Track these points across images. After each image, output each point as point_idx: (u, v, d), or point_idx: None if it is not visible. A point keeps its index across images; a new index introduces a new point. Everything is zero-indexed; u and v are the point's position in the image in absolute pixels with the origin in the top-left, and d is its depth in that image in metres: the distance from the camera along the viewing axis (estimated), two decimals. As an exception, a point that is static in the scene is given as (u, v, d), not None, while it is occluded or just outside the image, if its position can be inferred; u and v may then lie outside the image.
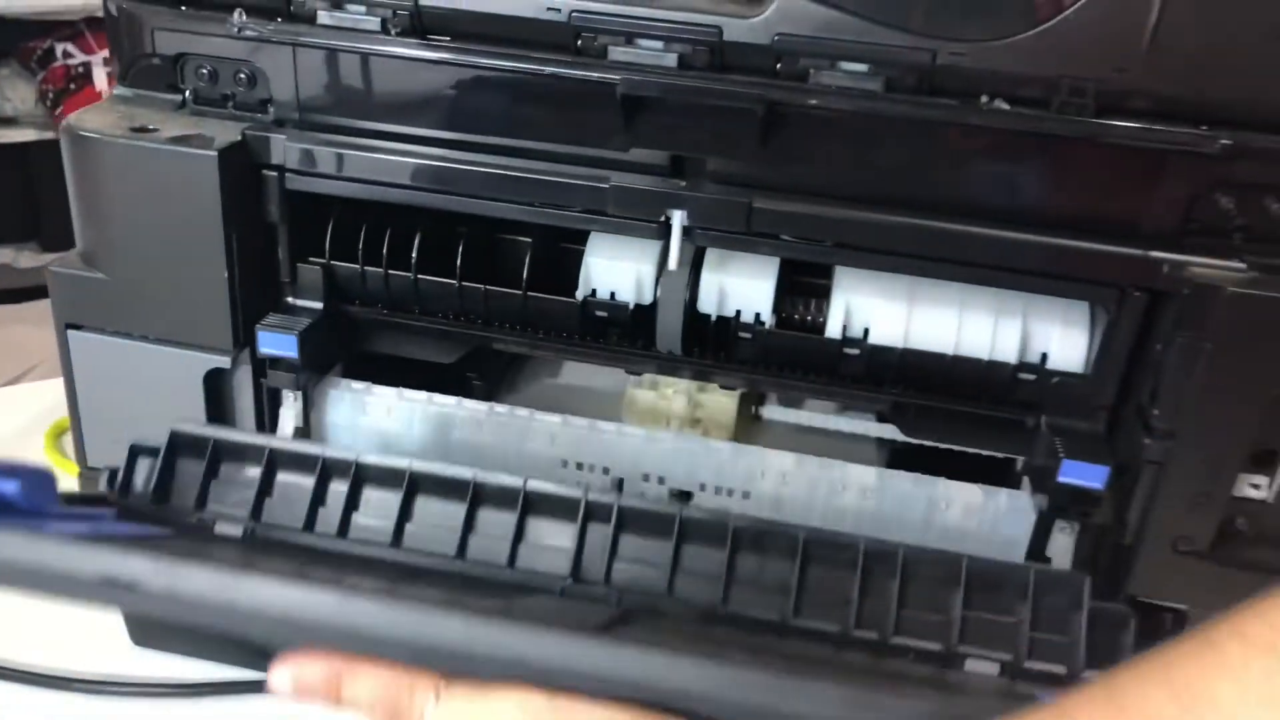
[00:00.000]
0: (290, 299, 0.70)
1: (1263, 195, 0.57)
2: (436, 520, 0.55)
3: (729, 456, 0.69)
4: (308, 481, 0.56)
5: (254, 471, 0.56)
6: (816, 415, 0.79)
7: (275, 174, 0.65)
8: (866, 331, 0.65)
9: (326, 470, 0.56)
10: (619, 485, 0.70)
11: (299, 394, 0.71)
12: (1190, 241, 0.58)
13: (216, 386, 0.70)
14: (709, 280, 0.66)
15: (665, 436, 0.70)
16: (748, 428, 0.83)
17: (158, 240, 0.65)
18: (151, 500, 0.56)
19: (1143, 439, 0.59)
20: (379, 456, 0.56)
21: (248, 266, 0.67)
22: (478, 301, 0.68)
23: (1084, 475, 0.59)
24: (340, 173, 0.65)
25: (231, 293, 0.66)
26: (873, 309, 0.65)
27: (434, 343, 0.73)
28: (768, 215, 0.61)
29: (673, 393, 0.79)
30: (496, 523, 0.55)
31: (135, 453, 0.57)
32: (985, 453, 0.69)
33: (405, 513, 0.56)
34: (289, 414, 0.71)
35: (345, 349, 0.74)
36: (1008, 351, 0.64)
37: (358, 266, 0.69)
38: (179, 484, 0.57)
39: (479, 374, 0.83)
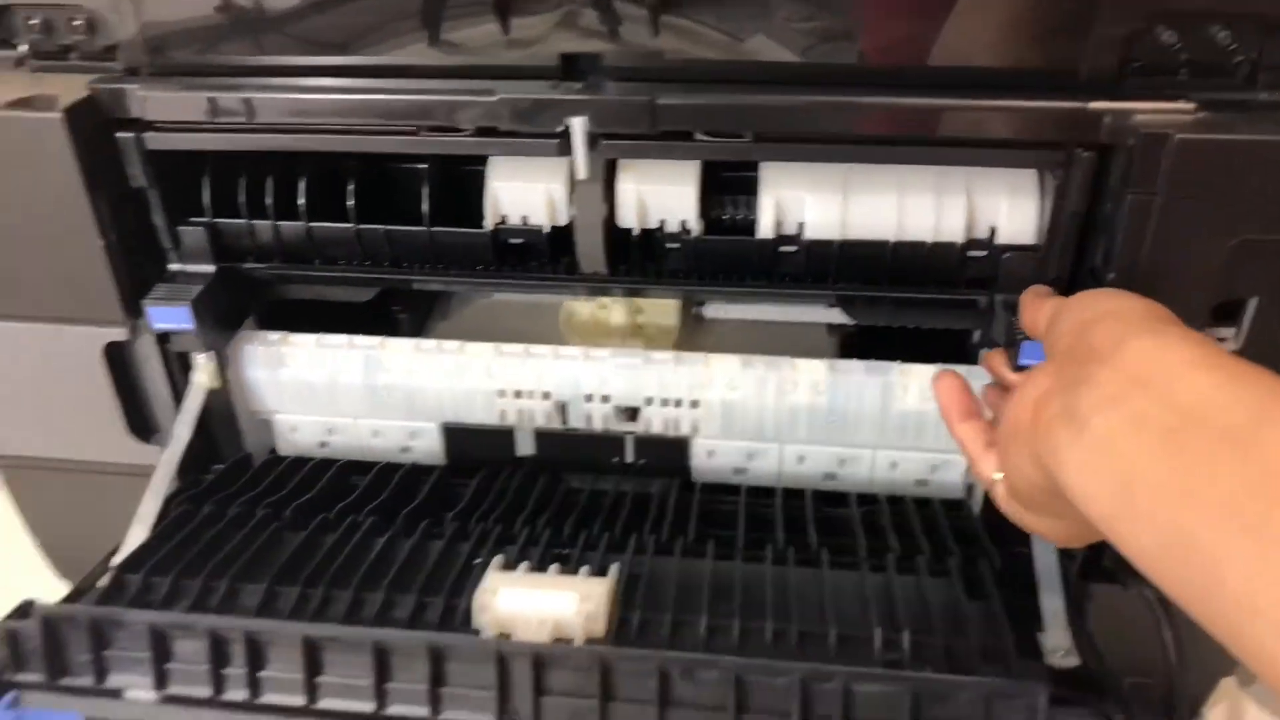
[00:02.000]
0: (177, 265, 0.65)
1: (1206, 23, 0.52)
2: (348, 673, 0.49)
3: (672, 368, 0.65)
4: (203, 647, 0.49)
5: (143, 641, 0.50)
6: (762, 308, 0.75)
7: (132, 135, 0.59)
8: (801, 227, 0.60)
9: (219, 639, 0.49)
10: (563, 410, 0.67)
11: (210, 353, 0.66)
12: (1132, 86, 0.53)
13: (120, 358, 0.66)
14: (625, 192, 0.61)
15: (603, 354, 0.66)
16: (692, 329, 0.79)
17: (19, 215, 0.60)
18: (46, 681, 0.50)
19: (1098, 303, 0.55)
20: (262, 622, 0.50)
21: (127, 229, 0.62)
22: (379, 243, 0.64)
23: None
24: (207, 120, 0.58)
25: (113, 262, 0.61)
26: (805, 202, 0.60)
27: (343, 288, 0.68)
28: (675, 111, 0.55)
29: (610, 302, 0.75)
30: (411, 670, 0.49)
31: (11, 635, 0.50)
32: (941, 328, 0.65)
33: (313, 672, 0.49)
34: (202, 377, 0.67)
35: (253, 302, 0.70)
36: (954, 231, 0.59)
37: (243, 221, 0.63)
38: (71, 657, 0.50)
39: (404, 306, 0.78)
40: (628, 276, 0.64)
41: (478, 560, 0.57)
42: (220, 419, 0.70)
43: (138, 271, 0.63)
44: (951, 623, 0.52)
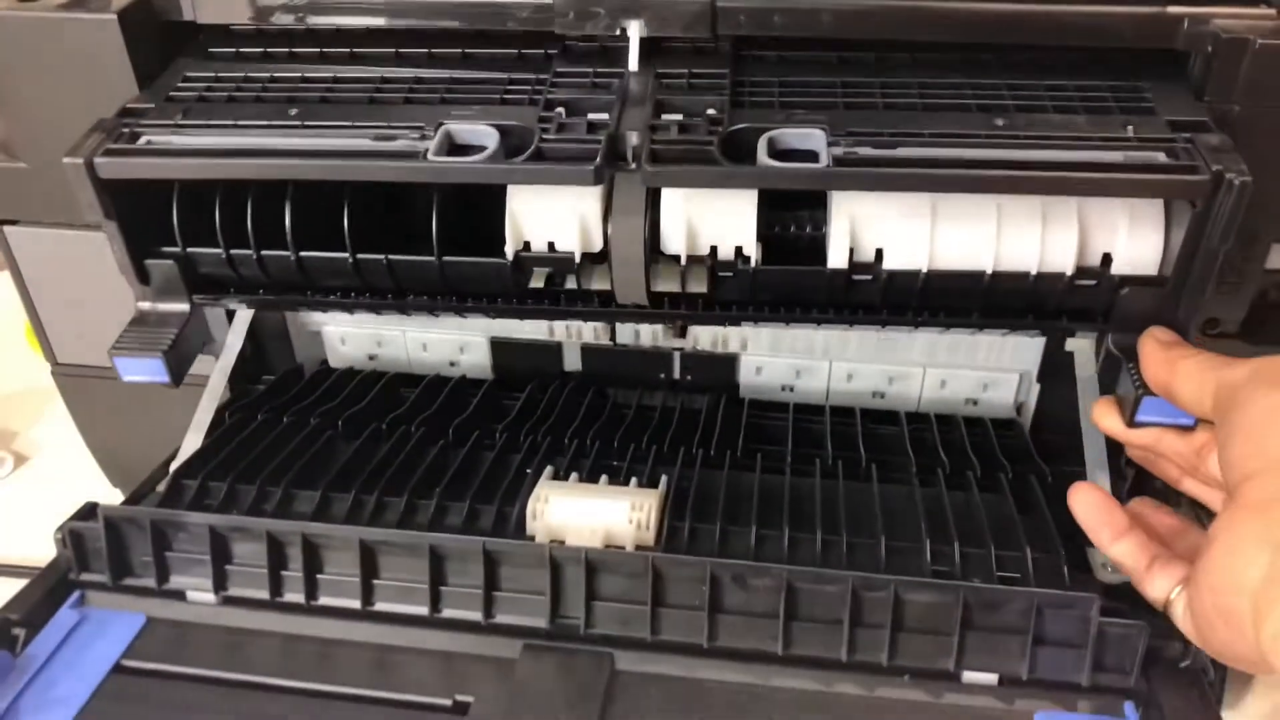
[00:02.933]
0: (147, 304, 0.56)
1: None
2: (403, 576, 0.50)
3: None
4: (261, 550, 0.50)
5: (203, 543, 0.50)
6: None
7: (81, 161, 0.50)
8: (880, 253, 0.50)
9: (276, 541, 0.50)
10: (612, 325, 0.66)
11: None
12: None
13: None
14: (672, 213, 0.50)
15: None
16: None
17: (73, 122, 0.59)
18: (111, 582, 0.51)
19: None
20: (319, 526, 0.50)
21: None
22: (380, 274, 0.53)
23: (1170, 413, 0.47)
24: (261, 22, 0.57)
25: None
26: (883, 226, 0.49)
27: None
28: (736, 14, 0.53)
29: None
30: (465, 573, 0.49)
31: (76, 536, 0.51)
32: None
33: (369, 575, 0.50)
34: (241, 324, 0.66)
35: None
36: (1063, 261, 0.49)
37: (219, 251, 0.53)
38: (134, 559, 0.52)
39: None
40: (672, 309, 0.53)
41: (529, 470, 0.57)
42: (271, 329, 0.71)
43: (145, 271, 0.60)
44: (1002, 536, 0.51)
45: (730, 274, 0.51)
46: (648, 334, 0.67)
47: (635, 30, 0.54)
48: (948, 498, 0.55)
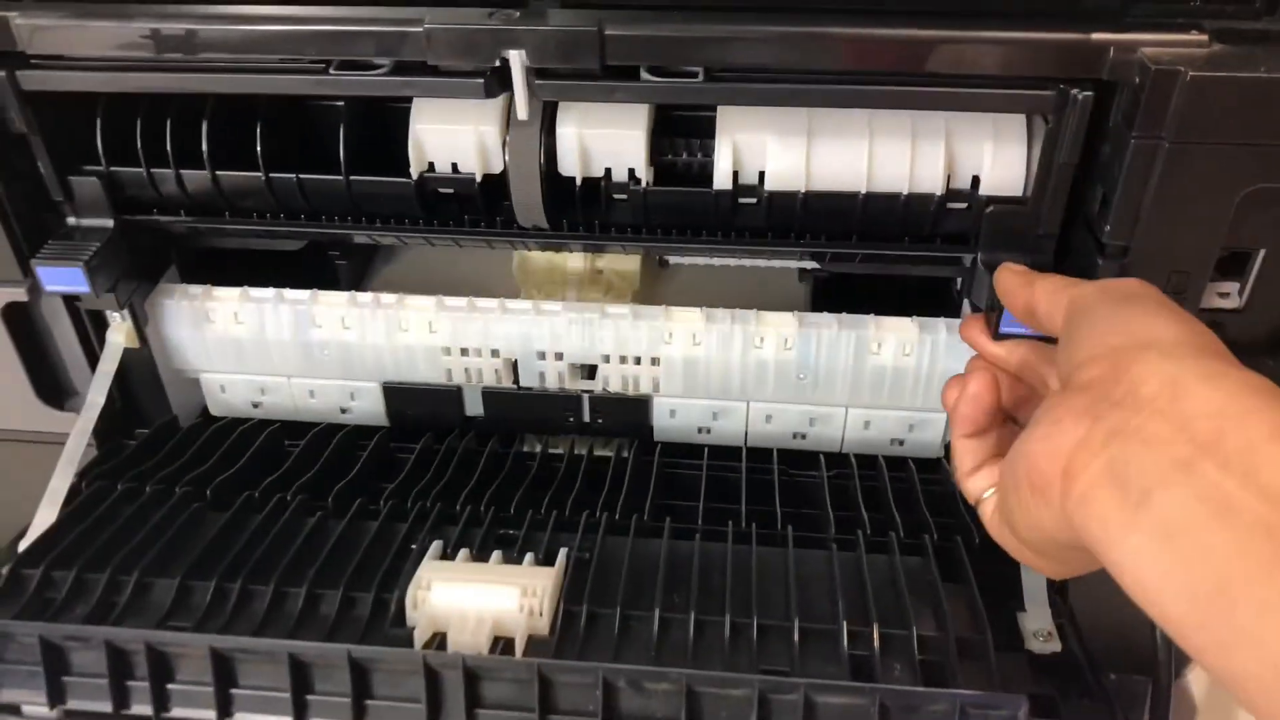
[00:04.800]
0: (73, 219, 0.58)
1: (1220, -61, 0.46)
2: (264, 683, 0.45)
3: (630, 322, 0.60)
4: (103, 659, 0.45)
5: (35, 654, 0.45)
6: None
7: (3, 73, 0.52)
8: (762, 176, 0.54)
9: (118, 650, 0.45)
10: (513, 368, 0.62)
11: (125, 312, 0.60)
12: (1138, 13, 0.47)
13: (24, 320, 0.60)
14: (566, 136, 0.54)
15: (556, 308, 0.61)
16: (655, 275, 0.74)
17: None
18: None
19: (1095, 259, 0.50)
20: (165, 634, 0.45)
21: (20, 177, 0.55)
22: (292, 194, 0.57)
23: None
24: (94, 56, 0.51)
25: (3, 214, 0.55)
26: (765, 149, 0.53)
27: (260, 240, 0.62)
28: (625, 44, 0.48)
29: (567, 246, 0.69)
30: (332, 680, 0.45)
31: None
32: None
33: (225, 684, 0.45)
34: (117, 337, 0.61)
35: (172, 252, 0.63)
36: (932, 181, 0.53)
37: (141, 170, 0.56)
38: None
39: (342, 252, 0.72)
40: (570, 231, 0.57)
41: (414, 545, 0.52)
42: (142, 379, 0.65)
43: (37, 226, 0.57)
44: (925, 612, 0.48)
45: (624, 196, 0.55)
46: (553, 376, 0.62)
47: (518, 61, 0.49)
48: (867, 564, 0.51)
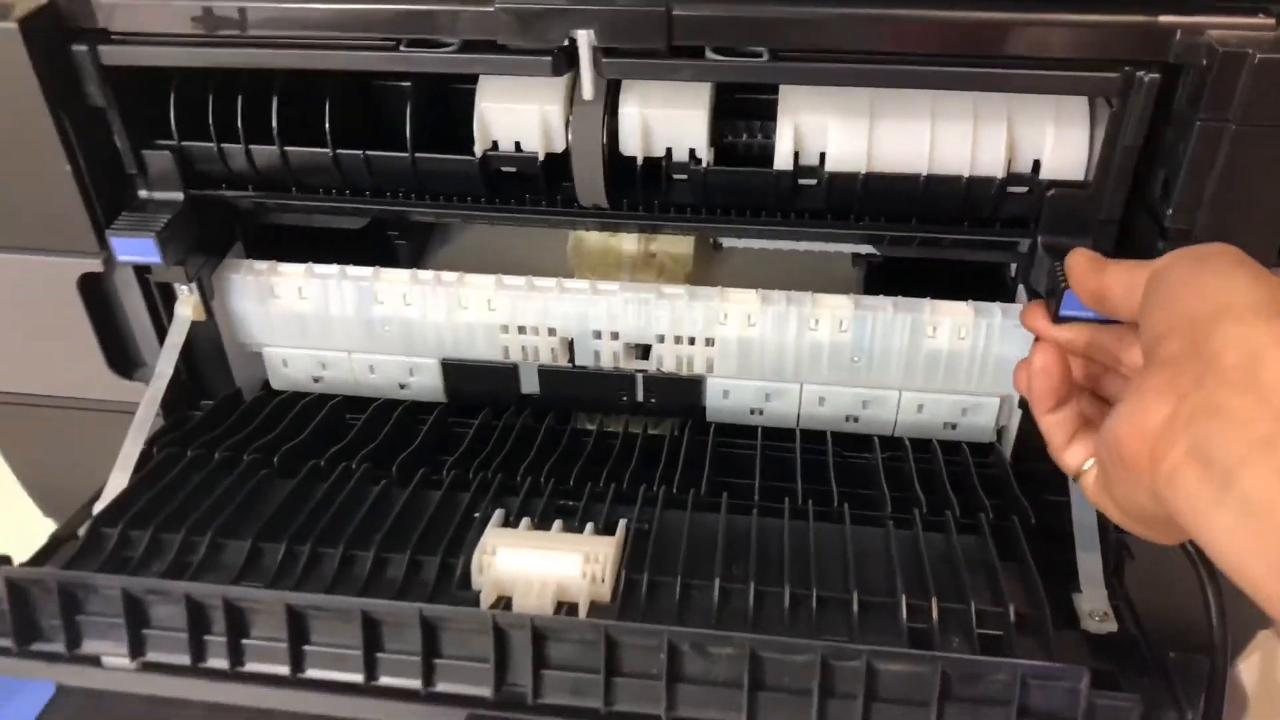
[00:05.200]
0: (145, 193, 0.60)
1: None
2: (336, 640, 0.46)
3: (686, 303, 0.61)
4: (181, 613, 0.46)
5: (117, 606, 0.46)
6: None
7: (86, 48, 0.53)
8: (823, 157, 0.55)
9: (197, 605, 0.46)
10: (569, 347, 0.63)
11: (193, 285, 0.62)
12: (1205, -4, 0.47)
13: (97, 291, 0.62)
14: (629, 116, 0.55)
15: (612, 288, 0.62)
16: (708, 258, 0.75)
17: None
18: (16, 647, 0.47)
19: (1156, 242, 0.50)
20: (243, 590, 0.46)
21: (98, 152, 0.57)
22: (358, 170, 0.58)
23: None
24: (173, 33, 0.53)
25: (82, 187, 0.57)
26: (827, 130, 0.54)
27: (326, 217, 0.63)
28: (692, 24, 0.49)
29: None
30: (402, 639, 0.45)
31: None
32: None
33: (299, 640, 0.46)
34: (185, 310, 0.63)
35: (237, 227, 0.65)
36: (993, 164, 0.53)
37: (212, 145, 0.58)
38: (42, 622, 0.47)
39: (402, 231, 0.74)
40: (630, 211, 0.58)
41: (476, 514, 0.53)
42: (208, 352, 0.66)
43: (113, 198, 0.59)
44: (983, 587, 0.48)
45: (684, 176, 0.56)
46: (608, 356, 0.63)
47: (585, 40, 0.50)
48: (924, 541, 0.51)
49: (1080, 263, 0.46)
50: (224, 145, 0.58)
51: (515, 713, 0.44)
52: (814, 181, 0.55)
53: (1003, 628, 0.46)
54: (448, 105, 0.60)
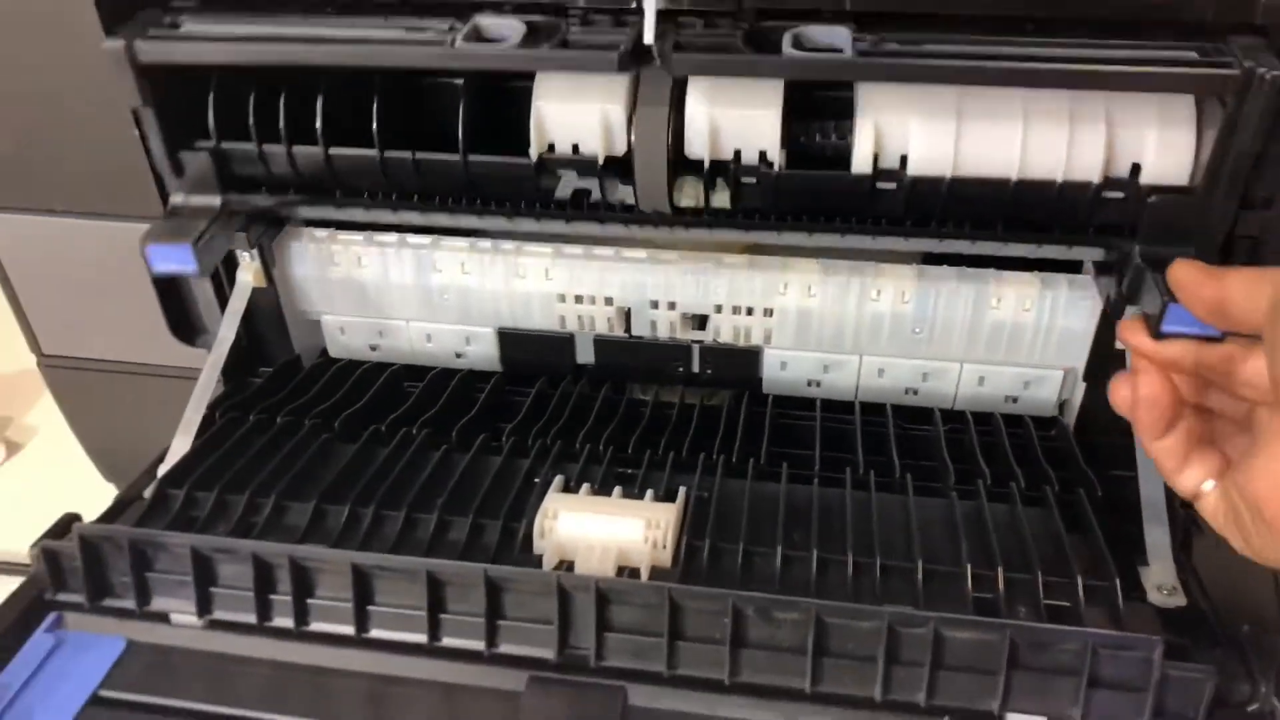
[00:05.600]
0: (180, 197, 0.58)
1: None
2: (400, 601, 0.46)
3: (745, 273, 0.60)
4: (248, 572, 0.46)
5: (185, 564, 0.47)
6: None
7: (121, 43, 0.52)
8: (904, 160, 0.51)
9: (263, 563, 0.46)
10: (626, 317, 0.63)
11: (254, 252, 0.62)
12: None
13: (160, 258, 0.63)
14: (696, 116, 0.51)
15: (671, 256, 0.61)
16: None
17: (52, 102, 0.56)
18: (89, 603, 0.48)
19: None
20: (309, 549, 0.46)
21: (165, 117, 0.57)
22: (407, 173, 0.55)
23: (1196, 323, 0.44)
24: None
25: (146, 152, 0.57)
26: (909, 131, 0.50)
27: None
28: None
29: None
30: (466, 600, 0.45)
31: (51, 555, 0.48)
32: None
33: (363, 600, 0.46)
34: (246, 276, 0.63)
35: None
36: (1089, 168, 0.49)
37: (252, 146, 0.55)
38: (113, 579, 0.48)
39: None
40: (695, 216, 0.55)
41: (537, 479, 0.53)
42: (268, 319, 0.67)
43: (180, 163, 0.59)
44: (1050, 559, 0.48)
45: (753, 180, 0.52)
46: (664, 326, 0.63)
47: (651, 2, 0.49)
48: (989, 512, 0.51)
49: (1192, 273, 0.42)
50: (266, 146, 0.55)
51: (578, 675, 0.44)
52: (894, 185, 0.51)
53: (1070, 598, 0.46)
54: (501, 105, 0.56)
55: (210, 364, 0.60)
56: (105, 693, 0.45)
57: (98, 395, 0.69)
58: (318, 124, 0.54)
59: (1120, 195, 0.50)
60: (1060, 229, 0.52)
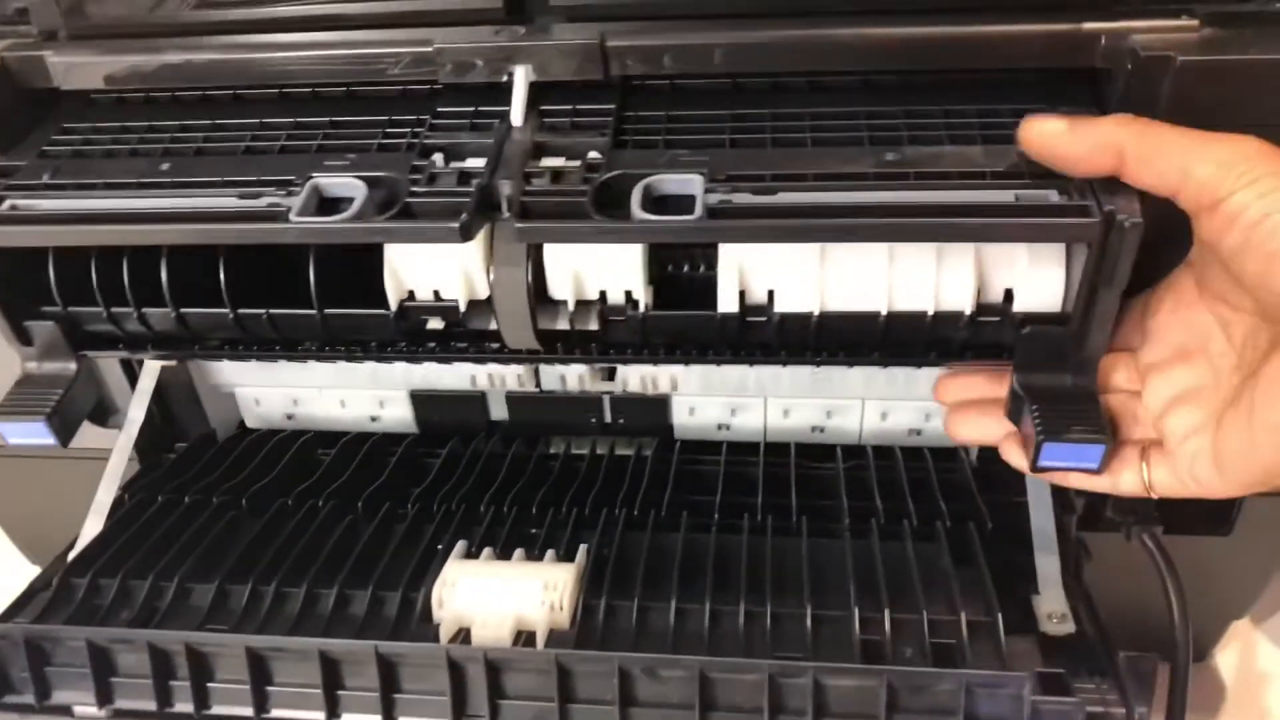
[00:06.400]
0: (32, 364, 0.55)
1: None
2: (297, 680, 0.47)
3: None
4: (146, 660, 0.47)
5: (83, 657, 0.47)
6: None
7: None
8: (771, 295, 0.49)
9: (161, 652, 0.47)
10: (535, 372, 0.63)
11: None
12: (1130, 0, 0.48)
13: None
14: (555, 261, 0.49)
15: (572, 311, 0.62)
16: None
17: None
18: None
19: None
20: (204, 635, 0.47)
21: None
22: (262, 328, 0.52)
23: (1076, 457, 0.46)
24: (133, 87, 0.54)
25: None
26: (773, 270, 0.48)
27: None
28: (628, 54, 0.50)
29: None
30: (362, 676, 0.46)
31: None
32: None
33: (261, 682, 0.47)
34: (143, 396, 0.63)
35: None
36: (959, 299, 0.48)
37: (100, 310, 0.52)
38: (13, 674, 0.48)
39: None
40: (566, 355, 0.53)
41: (440, 545, 0.54)
42: (181, 395, 0.67)
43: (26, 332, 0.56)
44: (936, 597, 0.49)
45: (621, 318, 0.51)
46: (574, 379, 0.64)
47: (522, 76, 0.51)
48: (880, 551, 0.52)
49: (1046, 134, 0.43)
50: (114, 309, 0.52)
51: (475, 744, 0.45)
52: (764, 319, 0.49)
53: (955, 636, 0.47)
54: (357, 249, 0.50)
55: (119, 446, 0.61)
56: (8, 790, 0.46)
57: (13, 481, 0.69)
58: (165, 288, 0.51)
59: (995, 319, 0.49)
60: (938, 353, 0.51)
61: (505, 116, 0.50)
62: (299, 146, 0.51)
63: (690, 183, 0.44)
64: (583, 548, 0.52)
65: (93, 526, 0.58)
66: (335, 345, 0.54)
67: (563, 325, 0.51)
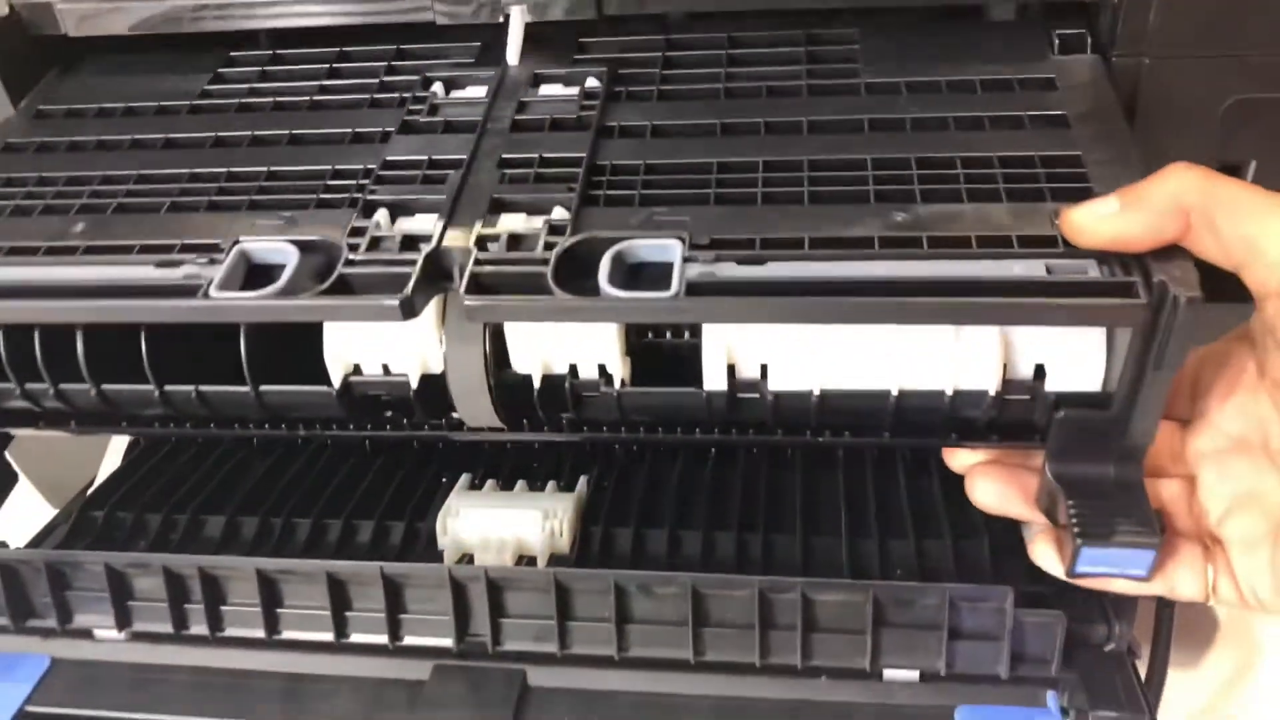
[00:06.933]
0: None
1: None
2: (307, 602, 0.47)
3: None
4: (162, 585, 0.47)
5: (102, 581, 0.48)
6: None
7: None
8: (765, 370, 0.41)
9: (176, 575, 0.47)
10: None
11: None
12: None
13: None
14: (517, 331, 0.42)
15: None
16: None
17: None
18: (12, 625, 0.50)
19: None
20: (217, 559, 0.48)
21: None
22: (190, 406, 0.45)
23: (1117, 563, 0.39)
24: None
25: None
26: (764, 343, 0.41)
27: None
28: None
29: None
30: (369, 598, 0.47)
31: None
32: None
33: (272, 604, 0.48)
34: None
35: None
36: (983, 376, 0.40)
37: (12, 385, 0.46)
38: (35, 599, 0.50)
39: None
40: (533, 432, 0.47)
41: (444, 480, 0.56)
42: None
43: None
44: (925, 525, 0.50)
45: (594, 394, 0.43)
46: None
47: (518, 15, 0.52)
48: (872, 483, 0.53)
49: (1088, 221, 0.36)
50: (29, 385, 0.46)
51: (479, 660, 0.47)
52: (756, 395, 0.42)
53: (943, 559, 0.48)
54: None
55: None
56: (33, 708, 0.47)
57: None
58: (80, 362, 0.44)
59: (1025, 398, 0.41)
60: (958, 434, 0.43)
61: (462, 165, 0.44)
62: (230, 202, 0.45)
63: (668, 249, 0.38)
64: (583, 479, 0.54)
65: (110, 465, 0.60)
66: (274, 425, 0.48)
67: (528, 402, 0.44)
